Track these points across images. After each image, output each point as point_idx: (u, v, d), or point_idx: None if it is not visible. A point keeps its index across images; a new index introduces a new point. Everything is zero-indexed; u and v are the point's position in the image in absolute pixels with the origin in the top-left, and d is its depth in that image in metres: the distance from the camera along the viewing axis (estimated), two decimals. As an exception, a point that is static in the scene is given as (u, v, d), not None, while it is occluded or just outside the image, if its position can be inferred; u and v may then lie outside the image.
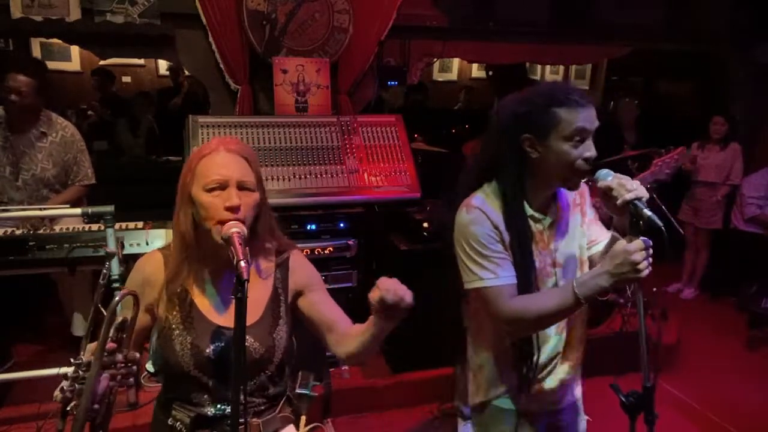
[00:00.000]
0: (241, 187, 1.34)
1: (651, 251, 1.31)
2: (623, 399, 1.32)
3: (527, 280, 1.48)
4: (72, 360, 1.20)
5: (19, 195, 3.06)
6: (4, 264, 2.54)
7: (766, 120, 5.16)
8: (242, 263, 1.16)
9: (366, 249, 3.25)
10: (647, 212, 1.29)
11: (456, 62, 8.55)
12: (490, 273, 1.46)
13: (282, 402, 1.51)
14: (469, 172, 1.62)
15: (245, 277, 1.14)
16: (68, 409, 1.16)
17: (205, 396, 1.40)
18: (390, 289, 1.19)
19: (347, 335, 1.42)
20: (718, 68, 5.22)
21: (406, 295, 1.20)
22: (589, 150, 1.42)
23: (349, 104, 3.78)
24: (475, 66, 8.57)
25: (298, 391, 1.51)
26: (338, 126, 3.33)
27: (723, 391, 3.42)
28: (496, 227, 1.47)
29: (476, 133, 5.40)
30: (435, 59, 4.28)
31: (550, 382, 1.63)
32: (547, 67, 7.90)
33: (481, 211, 1.48)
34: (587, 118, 1.41)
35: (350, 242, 3.15)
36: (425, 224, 3.28)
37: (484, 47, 4.33)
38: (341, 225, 3.15)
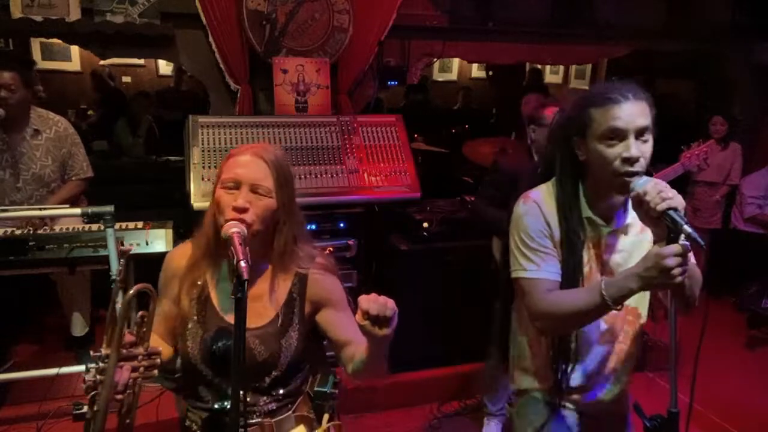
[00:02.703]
0: (254, 190, 1.35)
1: (689, 258, 1.21)
2: (647, 423, 1.25)
3: (573, 282, 1.44)
4: (92, 353, 1.24)
5: (20, 196, 3.06)
6: (4, 264, 2.54)
7: (766, 120, 5.15)
8: (242, 263, 1.16)
9: (366, 249, 3.25)
10: (688, 228, 1.17)
11: (456, 62, 8.55)
12: (534, 265, 1.45)
13: (299, 401, 1.50)
14: (540, 172, 1.61)
15: (245, 277, 1.14)
16: (92, 396, 1.21)
17: (213, 393, 1.42)
18: (371, 300, 1.18)
19: (356, 354, 1.41)
20: (718, 68, 5.22)
21: (388, 301, 1.18)
22: (627, 150, 1.33)
23: (349, 104, 3.77)
24: (475, 66, 8.57)
25: (317, 388, 1.48)
26: (338, 126, 3.33)
27: (723, 391, 3.42)
28: (548, 223, 1.46)
29: (476, 133, 5.40)
30: (435, 59, 4.27)
31: (593, 394, 1.58)
32: (547, 67, 7.89)
33: (536, 204, 1.48)
34: (623, 115, 1.34)
35: (350, 242, 3.15)
36: (425, 224, 3.28)
37: (484, 47, 4.32)
38: (341, 225, 3.15)
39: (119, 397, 1.22)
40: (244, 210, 1.32)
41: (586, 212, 1.47)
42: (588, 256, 1.48)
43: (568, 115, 1.46)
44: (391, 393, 3.24)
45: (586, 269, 1.48)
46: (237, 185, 1.35)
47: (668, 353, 1.29)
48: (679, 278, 1.21)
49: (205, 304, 1.43)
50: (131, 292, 1.23)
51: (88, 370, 1.22)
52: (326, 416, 1.44)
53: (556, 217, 1.46)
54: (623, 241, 1.50)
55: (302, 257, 1.48)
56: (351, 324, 1.44)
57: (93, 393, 1.20)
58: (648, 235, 1.45)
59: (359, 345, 1.40)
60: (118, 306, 1.21)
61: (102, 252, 2.56)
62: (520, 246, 1.48)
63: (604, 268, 1.49)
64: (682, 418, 1.26)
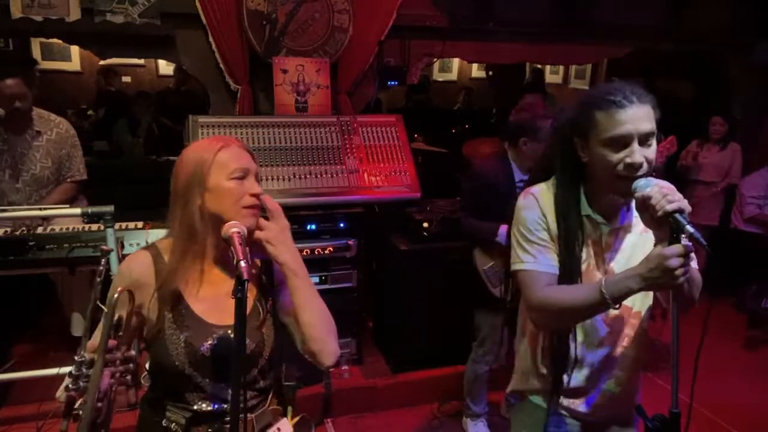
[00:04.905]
0: (257, 179, 1.42)
1: (691, 258, 1.21)
2: (648, 424, 1.24)
3: (570, 277, 1.44)
4: (76, 358, 1.20)
5: (19, 197, 3.06)
6: (4, 264, 2.54)
7: (766, 120, 5.15)
8: (242, 263, 1.16)
9: (366, 249, 3.25)
10: (690, 228, 1.17)
11: (456, 62, 8.55)
12: (531, 257, 1.45)
13: (271, 395, 1.53)
14: (536, 170, 1.64)
15: (245, 277, 1.14)
16: (75, 407, 1.15)
17: (200, 395, 1.40)
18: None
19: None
20: (718, 68, 5.22)
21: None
22: (631, 155, 1.32)
23: (349, 104, 3.77)
24: (475, 66, 8.57)
25: (286, 383, 1.51)
26: (338, 126, 3.33)
27: (723, 391, 3.42)
28: (545, 215, 1.47)
29: (476, 133, 5.39)
30: (435, 59, 4.27)
31: (592, 398, 1.55)
32: (547, 67, 7.89)
33: (534, 198, 1.49)
34: (628, 120, 1.32)
35: (350, 242, 3.15)
36: (425, 224, 3.28)
37: (484, 47, 4.32)
38: (341, 225, 3.16)
39: (99, 405, 1.17)
40: (259, 197, 1.39)
41: (586, 210, 1.46)
42: (587, 253, 1.47)
43: (569, 116, 1.45)
44: (391, 393, 3.24)
45: (584, 266, 1.46)
46: (245, 174, 1.38)
47: (666, 353, 1.28)
48: (682, 279, 1.21)
49: (180, 308, 1.40)
50: (115, 294, 1.23)
51: (70, 376, 1.17)
52: (290, 408, 1.46)
53: (553, 211, 1.47)
54: (625, 241, 1.49)
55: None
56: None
57: (77, 403, 1.14)
58: (651, 235, 1.45)
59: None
60: (104, 309, 1.19)
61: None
62: (519, 239, 1.49)
63: (604, 266, 1.49)
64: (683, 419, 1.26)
